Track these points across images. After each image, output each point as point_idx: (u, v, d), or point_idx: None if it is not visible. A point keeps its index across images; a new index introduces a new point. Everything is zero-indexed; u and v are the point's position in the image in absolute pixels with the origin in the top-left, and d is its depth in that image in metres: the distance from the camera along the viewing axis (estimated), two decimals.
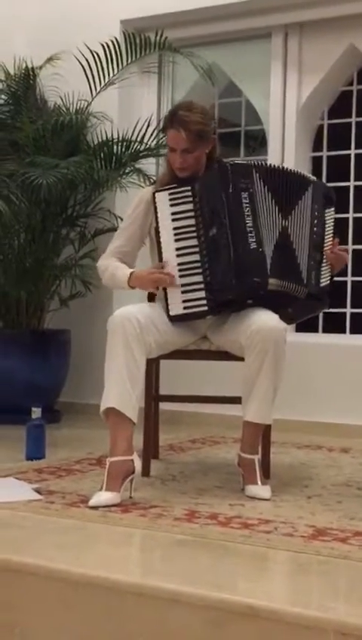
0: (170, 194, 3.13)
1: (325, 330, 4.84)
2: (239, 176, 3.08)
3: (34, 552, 2.31)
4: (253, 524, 2.59)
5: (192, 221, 3.11)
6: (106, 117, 4.99)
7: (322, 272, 3.18)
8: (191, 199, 3.12)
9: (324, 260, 3.19)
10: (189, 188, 3.12)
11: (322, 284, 3.18)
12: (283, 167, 3.35)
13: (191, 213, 3.11)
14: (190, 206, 3.12)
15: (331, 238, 3.23)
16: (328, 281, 3.21)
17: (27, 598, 2.19)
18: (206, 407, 4.49)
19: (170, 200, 3.13)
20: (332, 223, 3.26)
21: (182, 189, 3.13)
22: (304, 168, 4.77)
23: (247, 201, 3.05)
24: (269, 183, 3.11)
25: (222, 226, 3.05)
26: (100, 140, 4.93)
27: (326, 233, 3.22)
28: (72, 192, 4.88)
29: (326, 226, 3.23)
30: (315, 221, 3.18)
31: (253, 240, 3.03)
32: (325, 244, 3.21)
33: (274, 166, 3.28)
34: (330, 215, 3.26)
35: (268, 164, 3.28)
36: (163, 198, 3.14)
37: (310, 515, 2.73)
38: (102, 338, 3.01)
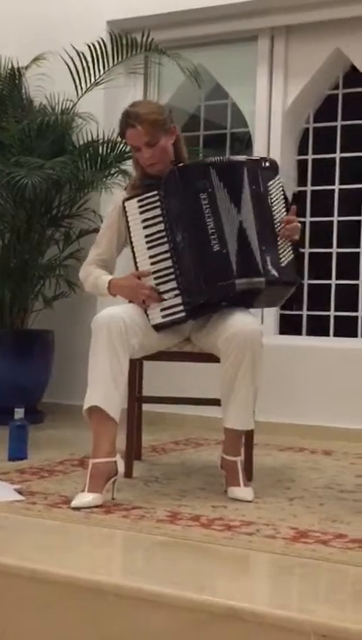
0: (138, 200, 3.10)
1: (309, 333, 4.85)
2: (196, 177, 3.03)
3: (15, 553, 2.31)
4: (235, 526, 2.59)
5: (161, 226, 3.08)
6: (92, 117, 4.98)
7: (279, 251, 3.07)
8: (158, 204, 3.08)
9: (279, 237, 3.07)
10: (155, 192, 3.08)
11: (282, 265, 3.06)
12: (229, 158, 3.26)
13: (160, 219, 3.08)
14: (158, 211, 3.08)
15: (283, 211, 3.12)
16: (290, 257, 3.09)
17: (8, 599, 2.19)
18: (189, 409, 4.49)
19: (140, 207, 3.10)
20: (281, 194, 3.14)
21: (149, 194, 3.09)
22: (289, 171, 4.78)
23: (207, 202, 3.00)
24: (224, 178, 3.04)
25: (186, 230, 3.02)
26: (86, 140, 4.92)
27: (275, 208, 3.11)
28: (57, 192, 4.87)
29: (273, 200, 3.11)
30: (258, 201, 3.06)
31: (216, 242, 2.98)
32: (276, 221, 3.09)
33: (226, 159, 3.20)
34: (275, 186, 3.14)
35: (222, 158, 3.17)
36: (133, 206, 3.11)
37: (292, 517, 2.73)
38: (86, 339, 3.01)
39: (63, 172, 4.52)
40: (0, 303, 4.86)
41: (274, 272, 3.03)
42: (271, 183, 3.13)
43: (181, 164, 3.15)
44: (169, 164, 3.13)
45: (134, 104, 3.23)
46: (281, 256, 3.07)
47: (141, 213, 3.10)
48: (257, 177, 3.10)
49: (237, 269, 2.99)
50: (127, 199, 3.14)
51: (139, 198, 3.11)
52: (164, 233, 3.07)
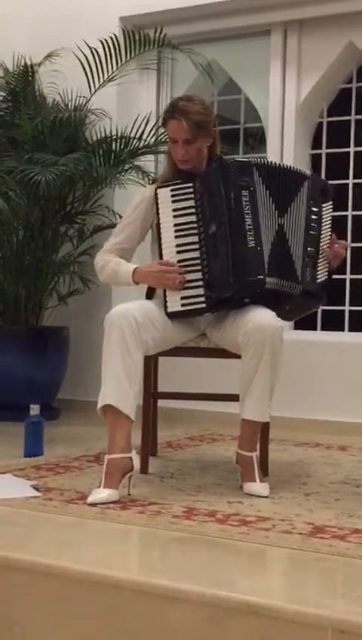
0: (172, 190, 3.13)
1: (324, 328, 4.84)
2: (240, 174, 3.08)
3: (32, 549, 2.31)
4: (251, 522, 2.59)
5: (193, 218, 3.11)
6: (105, 114, 4.98)
7: (318, 268, 3.17)
8: (192, 196, 3.12)
9: (321, 256, 3.18)
10: (191, 184, 3.12)
11: (318, 280, 3.17)
12: (280, 165, 3.34)
13: (193, 210, 3.11)
14: (191, 202, 3.12)
15: (329, 234, 3.23)
16: (325, 277, 3.20)
17: (25, 596, 2.19)
18: (204, 405, 4.49)
19: (172, 196, 3.13)
20: (330, 218, 3.25)
21: (184, 185, 3.13)
22: (303, 166, 4.76)
23: (247, 200, 3.05)
24: (268, 180, 3.11)
25: (222, 223, 3.05)
26: (99, 136, 4.92)
27: (323, 229, 3.22)
28: (71, 189, 4.87)
29: (323, 221, 3.22)
30: (312, 216, 3.17)
31: (252, 239, 3.02)
32: (322, 240, 3.20)
33: (274, 163, 3.27)
34: (328, 210, 3.25)
35: (268, 162, 3.28)
36: (165, 194, 3.14)
37: (308, 513, 2.73)
38: (100, 335, 3.01)
39: (77, 169, 4.53)
40: (15, 300, 4.87)
41: (311, 283, 3.13)
42: (325, 205, 3.24)
43: (226, 159, 3.18)
44: (201, 164, 3.15)
45: (185, 98, 3.22)
46: (319, 272, 3.17)
47: (173, 202, 3.13)
48: (316, 195, 3.21)
49: (268, 268, 3.03)
50: (161, 187, 3.16)
51: (173, 187, 3.14)
52: (194, 224, 3.10)
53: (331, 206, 3.27)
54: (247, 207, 3.04)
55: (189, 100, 3.16)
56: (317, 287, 3.18)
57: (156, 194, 3.15)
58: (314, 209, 3.18)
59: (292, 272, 3.10)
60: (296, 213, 3.15)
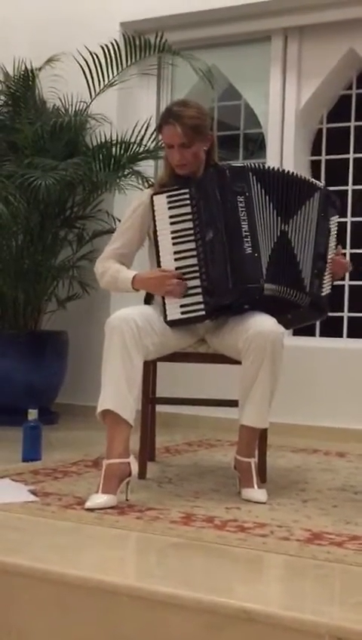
0: (168, 197, 3.12)
1: (322, 334, 4.84)
2: (235, 180, 3.06)
3: (29, 554, 2.31)
4: (249, 528, 2.59)
5: (190, 224, 3.10)
6: (105, 119, 4.99)
7: (324, 281, 3.18)
8: (188, 202, 3.11)
9: (328, 267, 3.19)
10: (187, 190, 3.11)
11: (324, 293, 3.18)
12: (283, 170, 3.33)
13: (189, 217, 3.10)
14: (188, 209, 3.11)
15: (334, 246, 3.24)
16: (329, 290, 3.21)
17: (23, 601, 2.19)
18: (203, 410, 4.49)
19: (168, 203, 3.12)
20: (336, 231, 3.26)
21: (180, 191, 3.11)
22: (302, 172, 4.75)
23: (243, 205, 3.03)
24: (267, 185, 3.10)
25: (218, 230, 3.03)
26: (99, 141, 4.93)
27: (331, 241, 3.22)
28: (71, 193, 4.88)
29: (331, 234, 3.23)
30: (321, 229, 3.16)
31: (249, 245, 3.01)
32: (329, 253, 3.21)
33: (273, 168, 3.25)
34: (335, 223, 3.26)
35: (266, 167, 3.25)
36: (161, 201, 3.13)
37: (306, 519, 2.73)
38: (99, 340, 3.01)
39: (77, 173, 4.54)
40: (14, 304, 4.87)
41: (318, 295, 3.14)
42: (332, 218, 3.24)
43: (221, 165, 3.17)
44: (198, 168, 3.14)
45: (180, 103, 3.22)
46: (324, 285, 3.18)
47: (169, 209, 3.11)
48: (327, 207, 3.21)
49: (267, 274, 3.02)
50: (156, 194, 3.15)
51: (169, 194, 3.12)
52: (191, 231, 3.09)
53: (337, 218, 3.28)
54: (243, 212, 3.02)
55: (183, 105, 3.16)
56: (323, 300, 3.19)
57: (152, 201, 3.14)
58: (323, 222, 3.18)
59: (298, 280, 3.10)
60: (304, 222, 3.14)
